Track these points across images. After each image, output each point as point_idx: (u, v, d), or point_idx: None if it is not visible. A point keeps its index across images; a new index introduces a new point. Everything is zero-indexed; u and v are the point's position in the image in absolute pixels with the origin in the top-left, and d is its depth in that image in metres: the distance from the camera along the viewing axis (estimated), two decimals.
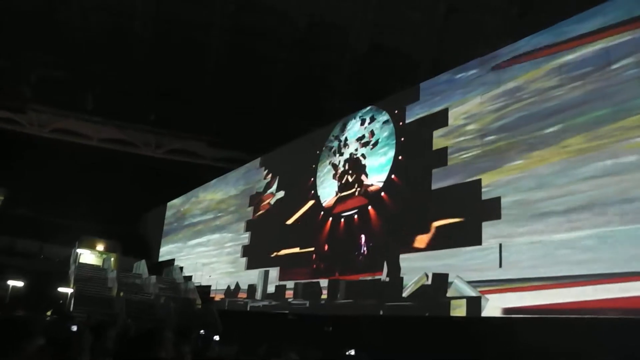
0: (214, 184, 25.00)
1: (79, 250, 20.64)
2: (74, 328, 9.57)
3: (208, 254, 23.11)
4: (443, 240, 11.70)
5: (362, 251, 14.23)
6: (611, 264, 8.53)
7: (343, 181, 15.96)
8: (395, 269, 12.82)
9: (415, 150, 13.41)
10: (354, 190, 15.32)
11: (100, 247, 26.20)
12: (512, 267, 10.11)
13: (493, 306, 10.22)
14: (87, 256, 23.95)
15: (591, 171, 9.26)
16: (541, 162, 10.20)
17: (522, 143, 10.68)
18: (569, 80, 10.12)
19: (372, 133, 15.26)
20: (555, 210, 9.66)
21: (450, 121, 12.56)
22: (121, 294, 17.73)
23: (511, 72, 11.42)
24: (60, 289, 17.31)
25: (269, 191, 19.75)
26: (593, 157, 9.29)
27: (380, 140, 14.79)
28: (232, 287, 20.02)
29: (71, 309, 16.08)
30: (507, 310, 9.97)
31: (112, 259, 24.30)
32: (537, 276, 9.54)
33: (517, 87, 11.16)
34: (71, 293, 16.85)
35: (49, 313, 14.10)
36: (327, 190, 16.48)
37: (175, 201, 28.91)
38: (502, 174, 10.89)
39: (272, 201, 19.29)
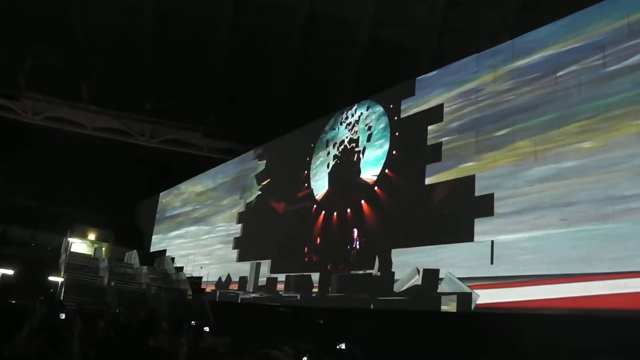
0: (206, 175, 24.92)
1: (70, 239, 20.51)
2: (63, 316, 9.56)
3: (201, 244, 23.10)
4: (436, 234, 11.73)
5: (354, 245, 14.25)
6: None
7: (337, 175, 15.96)
8: (387, 264, 12.86)
9: (410, 145, 13.41)
10: (347, 184, 15.33)
11: (92, 236, 26.10)
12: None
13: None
14: (79, 245, 23.84)
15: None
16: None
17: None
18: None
19: (366, 127, 15.25)
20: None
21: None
22: (112, 283, 17.66)
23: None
24: (51, 278, 17.23)
25: (261, 183, 19.72)
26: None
27: (374, 135, 14.79)
28: (223, 279, 20.03)
29: (62, 297, 16.01)
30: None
31: (104, 248, 24.15)
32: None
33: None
34: (62, 282, 16.78)
35: (39, 301, 14.04)
36: (321, 184, 16.48)
37: (169, 191, 28.85)
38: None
39: (265, 193, 19.27)
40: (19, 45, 23.58)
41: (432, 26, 19.55)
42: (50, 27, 22.96)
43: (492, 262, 10.27)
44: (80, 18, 22.79)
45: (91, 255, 23.87)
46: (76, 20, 22.81)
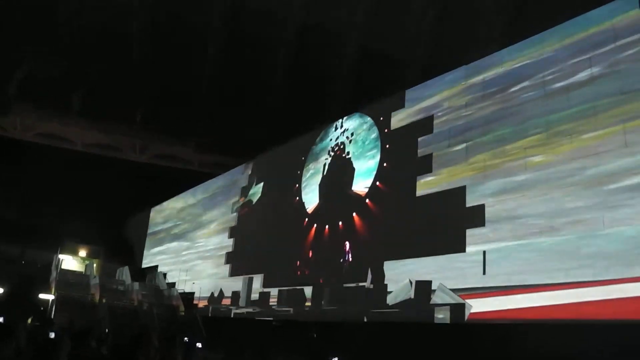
0: (197, 189, 24.85)
1: (61, 256, 20.32)
2: (52, 335, 9.44)
3: (191, 260, 22.95)
4: (428, 246, 11.74)
5: (346, 258, 14.22)
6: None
7: (328, 187, 15.96)
8: (379, 276, 12.82)
9: (400, 157, 13.47)
10: (338, 196, 15.33)
11: (82, 252, 25.89)
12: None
13: None
14: (70, 262, 23.62)
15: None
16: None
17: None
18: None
19: (357, 139, 15.30)
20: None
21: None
22: (104, 300, 17.49)
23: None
24: (42, 295, 17.02)
25: (253, 197, 19.67)
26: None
27: (365, 147, 14.84)
28: (216, 294, 19.89)
29: (52, 315, 15.83)
30: None
31: (95, 264, 23.98)
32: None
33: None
34: (53, 299, 16.59)
35: (29, 320, 13.86)
36: (312, 197, 16.47)
37: (159, 206, 28.68)
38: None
39: (257, 207, 19.21)
40: (6, 60, 23.45)
41: (422, 38, 19.73)
42: (37, 40, 22.85)
43: (484, 273, 10.25)
44: (69, 26, 22.64)
45: (82, 272, 23.69)
46: (64, 32, 22.68)
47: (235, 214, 20.59)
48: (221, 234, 20.95)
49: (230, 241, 20.17)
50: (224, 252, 20.27)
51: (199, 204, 24.13)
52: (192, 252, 23.15)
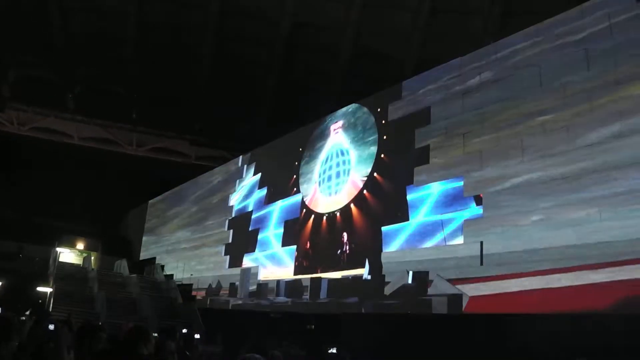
0: (193, 182, 24.81)
1: (58, 249, 20.21)
2: (52, 327, 9.38)
3: (188, 252, 22.93)
4: (425, 237, 11.72)
5: (344, 249, 14.19)
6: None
7: (325, 179, 15.91)
8: (377, 267, 12.81)
9: (397, 149, 13.42)
10: (336, 188, 15.29)
11: (80, 245, 25.76)
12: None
13: None
14: (67, 255, 23.51)
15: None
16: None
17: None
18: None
19: (354, 132, 15.22)
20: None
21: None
22: (102, 292, 17.43)
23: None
24: (40, 289, 16.93)
25: (250, 189, 19.61)
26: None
27: (362, 139, 14.76)
28: (214, 286, 19.87)
29: (50, 308, 15.77)
30: None
31: (93, 257, 23.87)
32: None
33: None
34: (50, 292, 16.51)
35: (27, 312, 13.82)
36: (310, 188, 16.41)
37: (157, 199, 28.61)
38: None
39: (254, 199, 19.15)
40: (2, 57, 23.26)
41: (415, 33, 19.66)
42: (32, 37, 22.67)
43: (481, 263, 10.28)
44: (63, 27, 22.50)
45: (80, 264, 23.59)
46: (58, 30, 22.52)
47: (232, 205, 20.53)
48: (219, 226, 20.90)
49: (229, 233, 20.12)
50: (222, 244, 20.23)
51: (197, 196, 24.07)
52: (189, 244, 23.12)
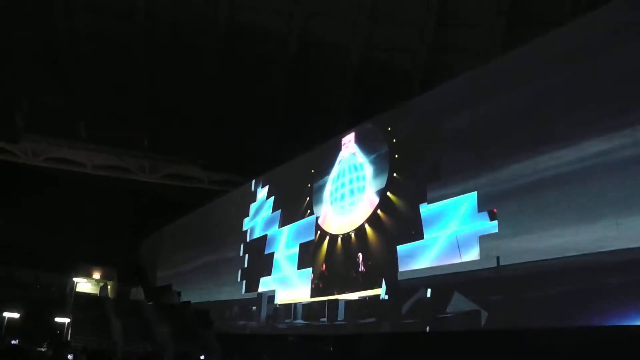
0: (207, 207, 25.13)
1: (75, 279, 20.58)
2: (71, 357, 9.70)
3: (204, 278, 23.16)
4: (441, 254, 11.85)
5: (359, 270, 14.33)
6: None
7: (338, 198, 16.11)
8: (393, 286, 12.92)
9: (409, 166, 13.62)
10: (350, 207, 15.49)
11: (96, 275, 26.10)
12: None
13: None
14: (84, 285, 23.89)
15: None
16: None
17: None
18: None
19: (366, 152, 15.44)
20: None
21: None
22: (119, 321, 17.71)
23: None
24: (58, 319, 17.26)
25: (264, 213, 19.86)
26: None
27: (374, 159, 14.96)
28: (231, 311, 20.03)
29: (69, 338, 16.06)
30: None
31: (109, 286, 24.23)
32: None
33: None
34: (68, 322, 16.83)
35: (45, 343, 14.12)
36: (324, 209, 16.62)
37: (171, 225, 28.96)
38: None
39: (268, 222, 19.39)
40: (14, 89, 23.97)
41: (423, 47, 19.98)
42: (42, 68, 23.35)
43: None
44: (71, 54, 23.10)
45: (97, 294, 23.94)
46: (66, 57, 23.13)
47: (247, 229, 20.79)
48: (234, 251, 21.14)
49: (244, 257, 20.35)
50: (238, 268, 20.44)
51: (211, 221, 24.36)
52: (205, 270, 23.35)
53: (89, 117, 25.39)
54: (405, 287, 12.59)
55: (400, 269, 12.84)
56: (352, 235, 14.96)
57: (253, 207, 20.81)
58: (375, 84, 21.11)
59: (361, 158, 15.55)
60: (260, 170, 21.19)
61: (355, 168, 15.69)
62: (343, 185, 16.08)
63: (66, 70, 23.60)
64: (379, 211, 14.21)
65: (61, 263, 23.82)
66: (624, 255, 8.31)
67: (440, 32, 19.34)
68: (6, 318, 18.03)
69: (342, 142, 16.64)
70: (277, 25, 21.29)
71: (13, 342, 14.48)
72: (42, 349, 13.62)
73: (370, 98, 20.09)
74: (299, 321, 16.14)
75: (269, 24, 21.35)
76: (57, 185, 27.33)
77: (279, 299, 17.42)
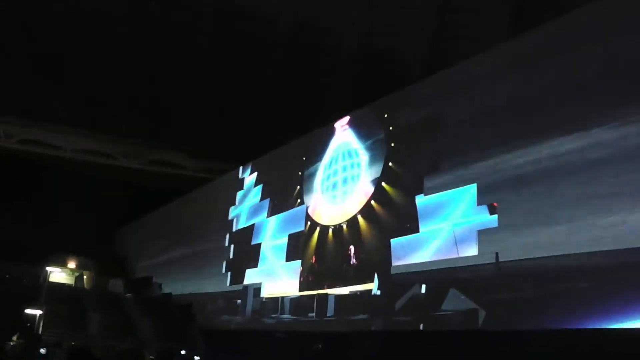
0: (192, 195, 24.58)
1: (49, 269, 19.93)
2: (43, 351, 9.14)
3: (187, 269, 22.68)
4: (437, 249, 11.46)
5: (351, 263, 13.95)
6: None
7: (330, 186, 15.68)
8: (386, 281, 12.55)
9: (406, 156, 13.20)
10: (342, 198, 15.05)
11: (71, 264, 25.45)
12: None
13: None
14: (58, 275, 23.19)
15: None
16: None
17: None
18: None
19: (360, 139, 15.00)
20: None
21: None
22: (95, 314, 17.20)
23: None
24: (28, 311, 16.63)
25: (251, 201, 19.40)
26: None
27: (369, 147, 14.53)
28: (215, 304, 19.61)
29: (40, 331, 15.51)
30: None
31: (85, 277, 23.63)
32: None
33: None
34: (40, 314, 16.23)
35: (15, 337, 13.57)
36: (314, 198, 16.17)
37: (154, 213, 28.39)
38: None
39: (256, 212, 18.92)
40: None
41: (423, 33, 19.51)
42: (17, 42, 22.58)
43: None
44: (54, 33, 22.35)
45: (72, 284, 23.35)
46: (43, 37, 22.39)
47: (233, 218, 20.30)
48: (219, 241, 20.64)
49: (230, 248, 19.87)
50: (222, 259, 19.97)
51: (195, 210, 23.88)
52: (188, 261, 22.86)
53: (68, 99, 24.61)
54: (399, 283, 12.25)
55: (393, 264, 12.48)
56: (344, 226, 14.54)
57: (240, 194, 20.30)
58: (372, 72, 20.62)
59: (355, 145, 15.10)
60: (248, 157, 20.64)
61: (350, 155, 15.23)
62: (335, 173, 15.64)
63: (46, 51, 22.81)
64: (372, 202, 13.81)
65: (34, 253, 23.12)
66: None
67: (442, 17, 18.85)
68: None
69: (336, 128, 16.15)
70: (268, 7, 20.68)
71: None
72: (12, 343, 13.04)
73: (367, 86, 19.63)
74: (286, 316, 15.78)
75: (260, 6, 20.74)
76: (32, 170, 26.56)
77: (266, 293, 17.00)
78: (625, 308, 7.94)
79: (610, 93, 8.98)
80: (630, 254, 8.01)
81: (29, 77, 23.52)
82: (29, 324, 16.00)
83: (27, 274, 22.44)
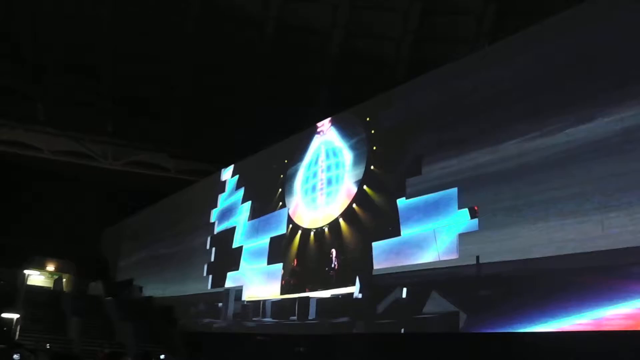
0: (173, 197, 24.55)
1: (26, 271, 19.74)
2: (17, 357, 9.10)
3: (168, 272, 22.62)
4: (418, 252, 11.62)
5: (332, 266, 14.05)
6: None
7: (313, 192, 15.79)
8: (368, 284, 12.68)
9: (388, 159, 13.35)
10: (323, 200, 15.17)
11: (51, 267, 25.21)
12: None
13: None
14: (36, 277, 23.00)
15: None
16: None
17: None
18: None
19: (343, 142, 15.11)
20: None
21: None
22: (75, 317, 17.11)
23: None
24: (4, 315, 16.47)
25: (235, 204, 19.41)
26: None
27: (351, 150, 14.65)
28: (196, 307, 19.57)
29: (17, 336, 15.40)
30: None
31: (65, 279, 23.45)
32: None
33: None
34: (17, 318, 16.10)
35: None
36: (296, 202, 16.27)
37: (134, 216, 28.26)
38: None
39: (238, 214, 18.95)
40: None
41: (406, 35, 19.70)
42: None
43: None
44: (34, 32, 22.21)
45: (50, 287, 23.18)
46: (27, 35, 22.24)
47: (214, 221, 20.31)
48: (201, 244, 20.63)
49: (211, 251, 19.87)
50: (204, 263, 19.96)
51: (177, 212, 23.80)
52: (169, 264, 22.78)
53: (48, 99, 24.43)
54: (381, 286, 12.36)
55: (375, 267, 12.60)
56: (326, 229, 14.65)
57: (222, 197, 20.31)
58: (356, 74, 20.76)
59: (338, 148, 15.21)
60: (230, 160, 20.67)
61: (329, 155, 15.34)
62: (315, 174, 15.75)
63: (24, 47, 22.63)
64: (354, 205, 13.94)
65: (12, 255, 22.89)
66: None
67: (426, 19, 19.04)
68: None
69: (318, 130, 16.27)
70: (253, 7, 20.74)
71: None
72: None
73: (351, 89, 19.74)
74: (268, 319, 15.81)
75: (245, 7, 20.79)
76: (10, 171, 26.25)
77: (247, 296, 17.03)
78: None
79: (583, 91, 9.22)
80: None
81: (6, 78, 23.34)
82: (4, 328, 15.88)
83: (3, 276, 22.22)
